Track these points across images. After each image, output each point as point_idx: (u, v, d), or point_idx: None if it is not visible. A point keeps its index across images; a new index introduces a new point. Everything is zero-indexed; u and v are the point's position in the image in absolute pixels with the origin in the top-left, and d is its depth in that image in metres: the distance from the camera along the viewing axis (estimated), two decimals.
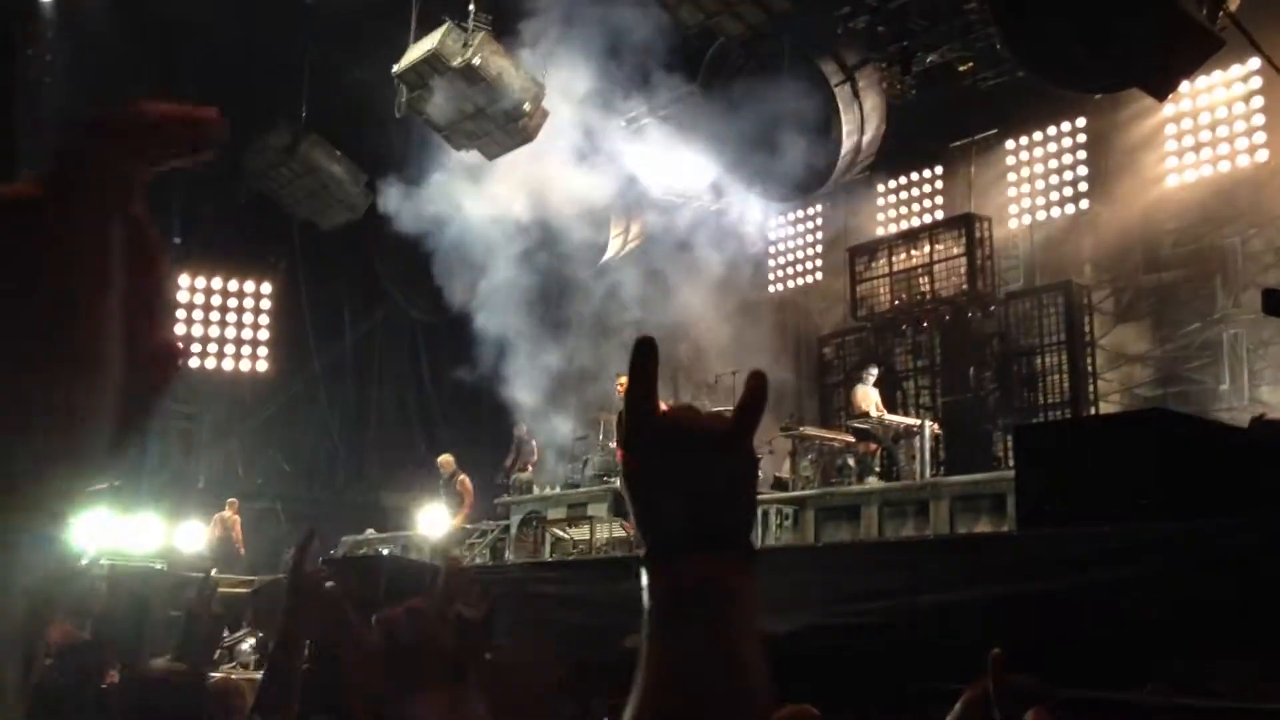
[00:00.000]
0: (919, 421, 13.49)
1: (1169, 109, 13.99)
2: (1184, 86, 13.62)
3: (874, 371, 14.28)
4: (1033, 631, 5.53)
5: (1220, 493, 5.53)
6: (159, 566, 13.96)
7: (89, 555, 13.16)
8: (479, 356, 20.61)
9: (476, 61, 13.36)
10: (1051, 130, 15.32)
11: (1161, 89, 10.60)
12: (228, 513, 16.57)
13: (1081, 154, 15.10)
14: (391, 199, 18.15)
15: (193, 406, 19.35)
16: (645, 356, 0.97)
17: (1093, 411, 13.73)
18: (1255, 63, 13.18)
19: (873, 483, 12.49)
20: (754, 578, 0.95)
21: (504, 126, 14.35)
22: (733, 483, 0.97)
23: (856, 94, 13.48)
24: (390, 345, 21.19)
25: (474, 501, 15.43)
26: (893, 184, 17.18)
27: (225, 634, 11.31)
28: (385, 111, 15.07)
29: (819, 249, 18.54)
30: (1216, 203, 13.74)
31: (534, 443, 16.66)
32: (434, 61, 13.54)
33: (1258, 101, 13.36)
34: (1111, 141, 14.75)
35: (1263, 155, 13.34)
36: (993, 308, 15.04)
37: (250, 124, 17.65)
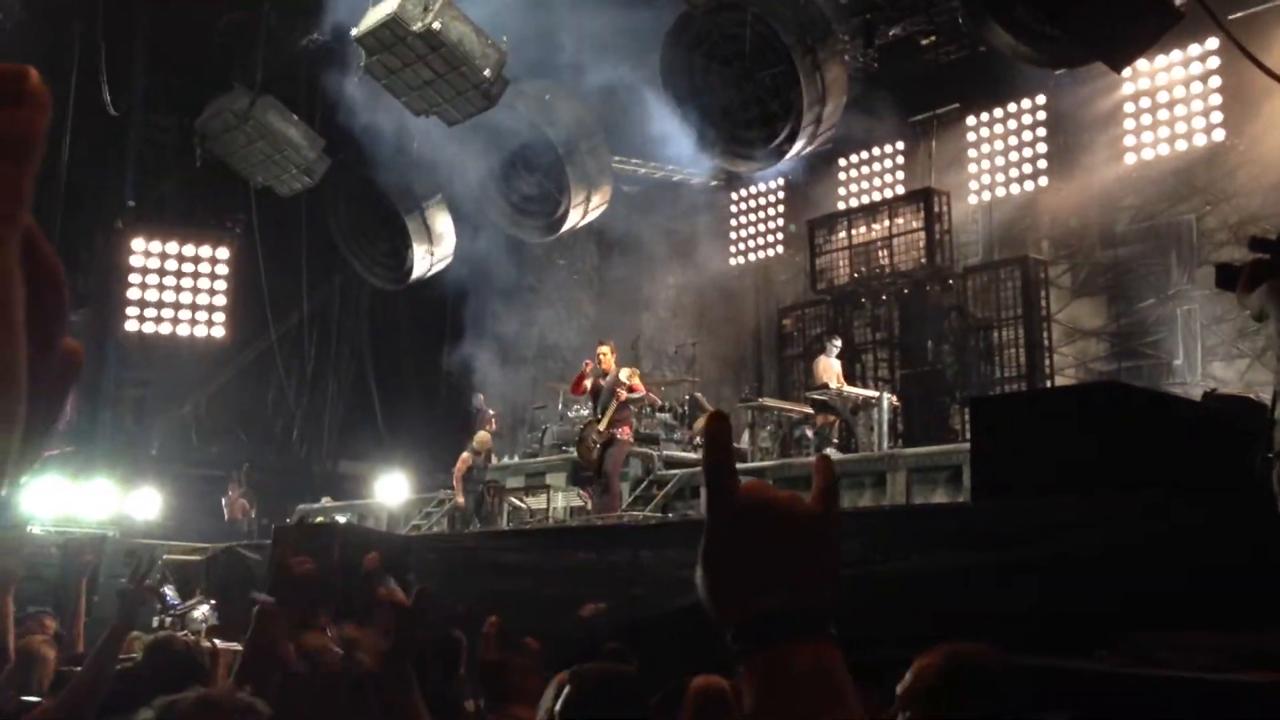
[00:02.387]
0: (877, 393, 13.57)
1: (1128, 88, 14.09)
2: (1142, 65, 13.72)
3: (837, 343, 14.32)
4: (987, 602, 5.57)
5: (1172, 465, 5.58)
6: (111, 534, 13.81)
7: (39, 522, 13.00)
8: (438, 324, 20.51)
9: (436, 26, 13.19)
10: (1012, 108, 15.39)
11: (1120, 61, 10.65)
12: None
13: (1041, 131, 15.20)
14: (348, 164, 18.00)
15: (146, 373, 19.11)
16: (720, 431, 0.94)
17: (1049, 384, 13.86)
18: (1213, 43, 13.28)
19: (831, 454, 12.55)
20: (842, 652, 0.92)
21: (464, 93, 14.19)
22: (827, 566, 0.96)
23: (818, 66, 13.43)
24: (348, 312, 21.02)
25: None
26: (854, 159, 17.21)
27: (178, 602, 11.21)
28: (345, 76, 14.86)
29: (780, 223, 18.54)
30: (1173, 180, 13.88)
31: (491, 412, 16.60)
32: (393, 25, 13.34)
33: (1215, 81, 13.47)
34: (1071, 120, 14.84)
35: (1219, 135, 13.46)
36: (950, 282, 15.12)
37: (206, 87, 17.39)
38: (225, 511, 17.24)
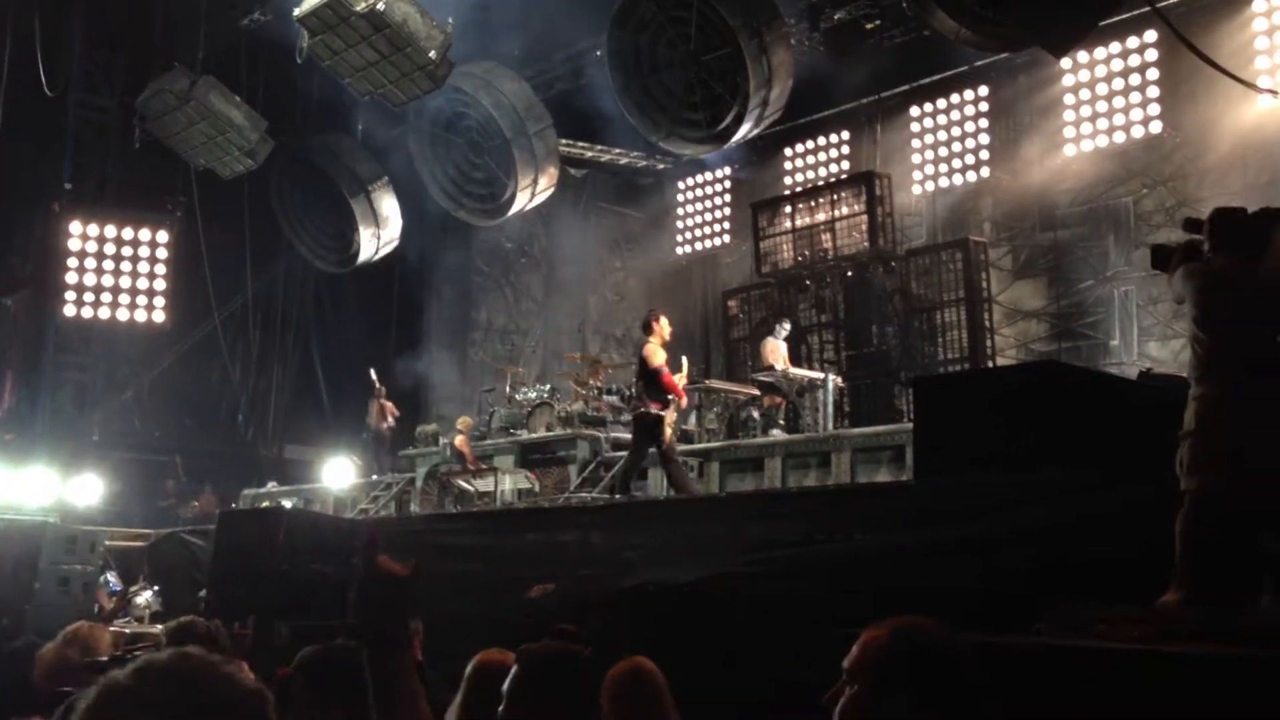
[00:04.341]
0: (823, 375, 13.70)
1: (1068, 79, 14.31)
2: (1082, 57, 13.95)
3: (786, 327, 14.43)
4: (929, 578, 5.67)
5: (1108, 443, 5.71)
6: (51, 521, 13.61)
7: None
8: (384, 308, 20.37)
9: (380, 7, 13.06)
10: (955, 98, 15.58)
11: (1059, 48, 10.79)
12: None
13: (984, 122, 15.39)
14: (291, 146, 17.81)
15: (86, 358, 18.81)
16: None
17: (990, 365, 14.06)
18: (1151, 35, 13.52)
19: (777, 435, 12.66)
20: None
21: (409, 75, 14.07)
22: None
23: (764, 49, 13.47)
24: (293, 296, 20.80)
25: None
26: (800, 148, 17.32)
27: (120, 588, 11.11)
28: (287, 57, 14.67)
29: (728, 210, 18.61)
30: (1110, 164, 14.12)
31: (382, 388, 16.82)
32: (336, 6, 13.19)
33: (1153, 74, 13.70)
34: (1012, 111, 15.04)
35: (1156, 126, 13.71)
36: (894, 264, 15.27)
37: (146, 67, 17.10)
38: (196, 506, 17.06)
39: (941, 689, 1.97)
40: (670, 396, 9.95)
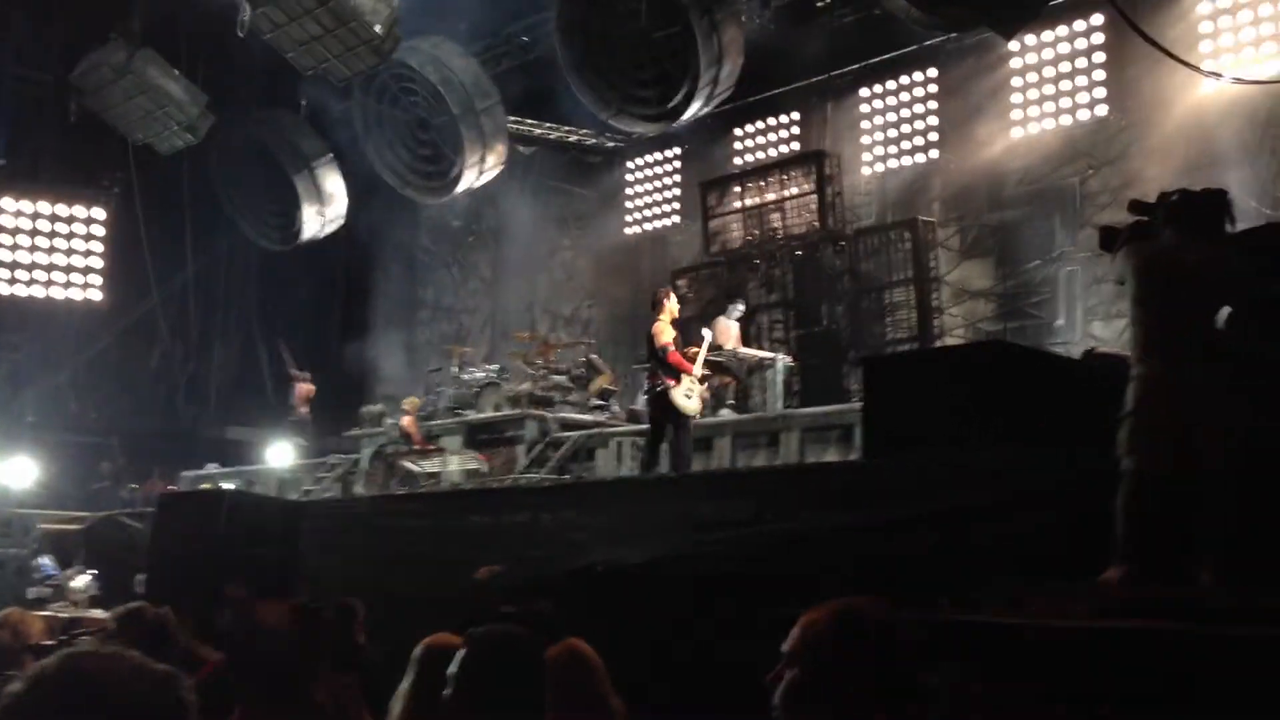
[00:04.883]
0: (773, 355, 13.71)
1: (1016, 62, 14.40)
2: (1030, 40, 14.04)
3: (740, 307, 14.40)
4: (875, 557, 5.68)
5: (1054, 422, 5.74)
6: None
7: None
8: (329, 287, 20.12)
9: None
10: (905, 79, 15.60)
11: (1008, 28, 10.83)
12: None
13: (932, 105, 15.44)
14: (233, 121, 17.49)
15: (19, 337, 18.39)
16: None
17: (938, 344, 14.14)
18: (1099, 19, 13.62)
19: (726, 415, 12.65)
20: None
21: (354, 49, 13.83)
22: None
23: (715, 26, 13.41)
24: (235, 274, 20.47)
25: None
26: (750, 127, 17.29)
27: (56, 571, 10.90)
28: (228, 30, 14.35)
29: (678, 190, 18.55)
30: (1057, 145, 14.22)
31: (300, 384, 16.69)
32: None
33: (1099, 57, 13.81)
34: (962, 92, 15.09)
35: (1102, 110, 13.82)
36: (843, 244, 15.29)
37: (82, 39, 16.66)
38: (138, 489, 16.77)
39: (880, 668, 1.96)
40: (681, 372, 9.92)
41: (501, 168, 16.68)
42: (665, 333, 10.02)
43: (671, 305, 10.21)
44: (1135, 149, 13.49)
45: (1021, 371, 6.58)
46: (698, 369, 10.22)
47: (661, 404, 9.91)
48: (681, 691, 5.64)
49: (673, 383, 9.81)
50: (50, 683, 1.38)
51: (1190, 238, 5.10)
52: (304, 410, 17.05)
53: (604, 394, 14.30)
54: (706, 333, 11.35)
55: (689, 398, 9.92)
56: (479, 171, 16.33)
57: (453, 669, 2.85)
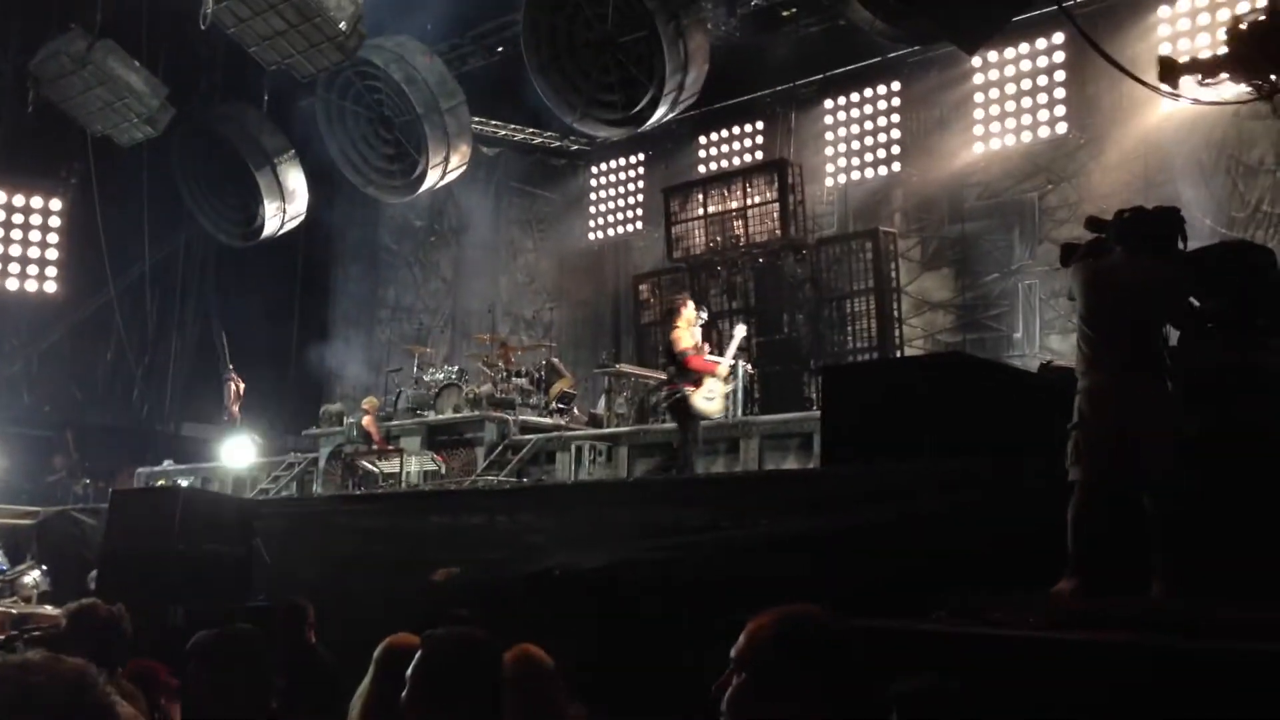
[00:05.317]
0: (733, 362, 13.72)
1: (978, 78, 14.55)
2: (993, 56, 14.20)
3: (703, 315, 14.39)
4: (834, 564, 5.72)
5: (1009, 434, 5.82)
6: None
7: None
8: (289, 284, 19.94)
9: None
10: (869, 92, 15.72)
11: (971, 43, 10.93)
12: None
13: (895, 118, 15.57)
14: (193, 115, 17.32)
15: None
16: None
17: (898, 355, 14.25)
18: (1059, 38, 13.79)
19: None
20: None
21: (318, 45, 13.75)
22: None
23: (681, 33, 13.43)
24: (193, 269, 20.24)
25: None
26: (714, 136, 17.36)
27: (6, 567, 10.75)
28: (190, 22, 14.20)
29: (640, 198, 18.57)
30: (1018, 159, 14.39)
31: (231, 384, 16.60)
32: None
33: (1061, 75, 13.99)
34: (925, 105, 15.24)
35: (1062, 127, 14.00)
36: (804, 253, 15.38)
37: (41, 28, 16.42)
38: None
39: (827, 676, 1.98)
40: (704, 374, 9.99)
41: (465, 168, 16.63)
42: (684, 339, 10.12)
43: (689, 313, 10.32)
44: (1094, 165, 13.68)
45: (978, 383, 6.66)
46: (724, 366, 10.35)
47: (679, 409, 10.02)
48: (635, 696, 5.65)
49: (691, 388, 9.90)
50: None
51: (1140, 254, 5.19)
52: (234, 410, 16.92)
53: (564, 397, 14.29)
54: (740, 329, 11.43)
55: (710, 400, 10.05)
56: (442, 172, 16.27)
57: (409, 671, 2.85)
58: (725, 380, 10.39)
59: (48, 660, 1.45)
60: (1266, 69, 7.01)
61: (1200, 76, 5.70)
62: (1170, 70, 5.54)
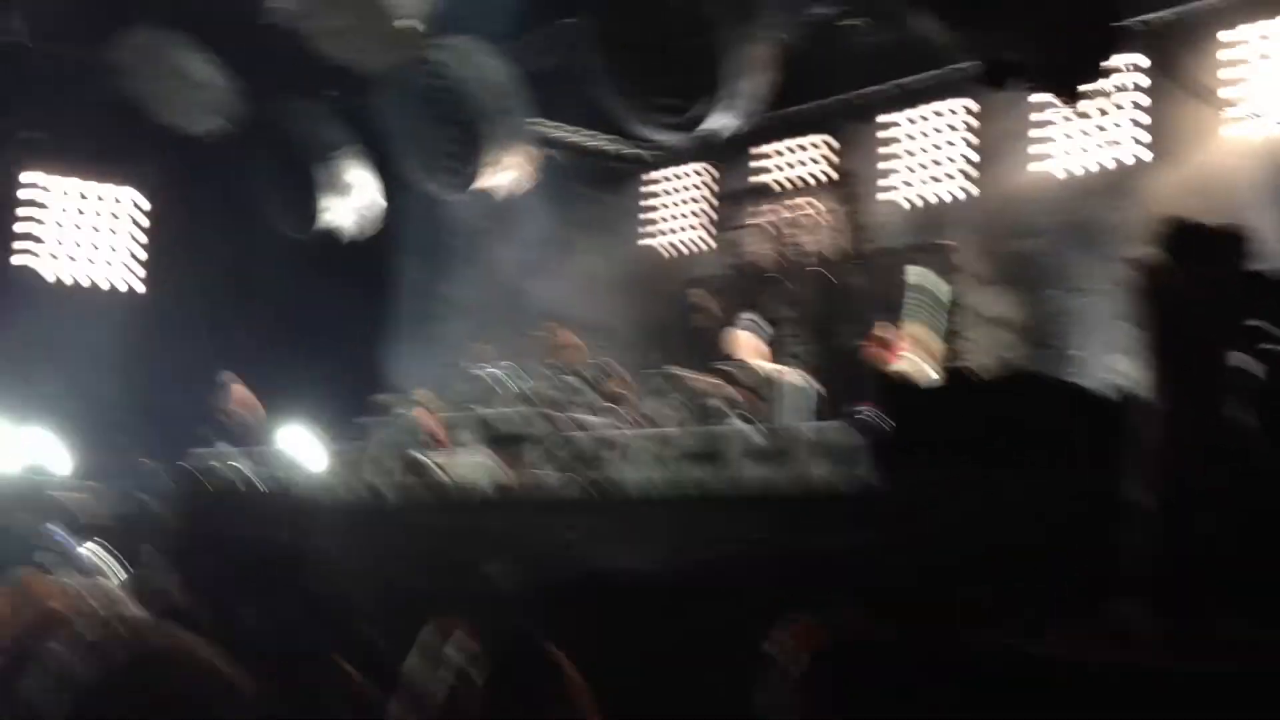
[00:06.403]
0: (788, 370, 13.67)
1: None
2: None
3: (755, 319, 14.37)
4: (884, 578, 5.68)
5: (1074, 452, 5.74)
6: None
7: None
8: (348, 276, 20.08)
9: None
10: (937, 105, 15.58)
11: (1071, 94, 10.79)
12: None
13: (963, 133, 15.48)
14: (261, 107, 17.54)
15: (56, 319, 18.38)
16: None
17: (957, 369, 14.08)
18: (1136, 59, 13.63)
19: (736, 427, 12.58)
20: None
21: (384, 42, 13.89)
22: None
23: (744, 41, 13.39)
24: (262, 262, 20.43)
25: None
26: (775, 145, 17.32)
27: (66, 538, 10.96)
28: (259, 16, 14.39)
29: (697, 204, 18.57)
30: (1089, 179, 14.26)
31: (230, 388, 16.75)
32: None
33: (1135, 98, 13.89)
34: (994, 124, 15.08)
35: (1134, 149, 13.93)
36: (864, 264, 15.29)
37: (115, 17, 16.71)
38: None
39: (868, 682, 1.98)
40: None
41: (524, 169, 16.71)
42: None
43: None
44: (1164, 188, 13.47)
45: (1044, 400, 6.58)
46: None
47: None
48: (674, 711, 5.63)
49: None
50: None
51: (1200, 271, 5.12)
52: (242, 414, 16.99)
53: (617, 398, 14.30)
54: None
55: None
56: (501, 171, 16.37)
57: (463, 659, 2.86)
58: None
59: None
60: None
61: None
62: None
